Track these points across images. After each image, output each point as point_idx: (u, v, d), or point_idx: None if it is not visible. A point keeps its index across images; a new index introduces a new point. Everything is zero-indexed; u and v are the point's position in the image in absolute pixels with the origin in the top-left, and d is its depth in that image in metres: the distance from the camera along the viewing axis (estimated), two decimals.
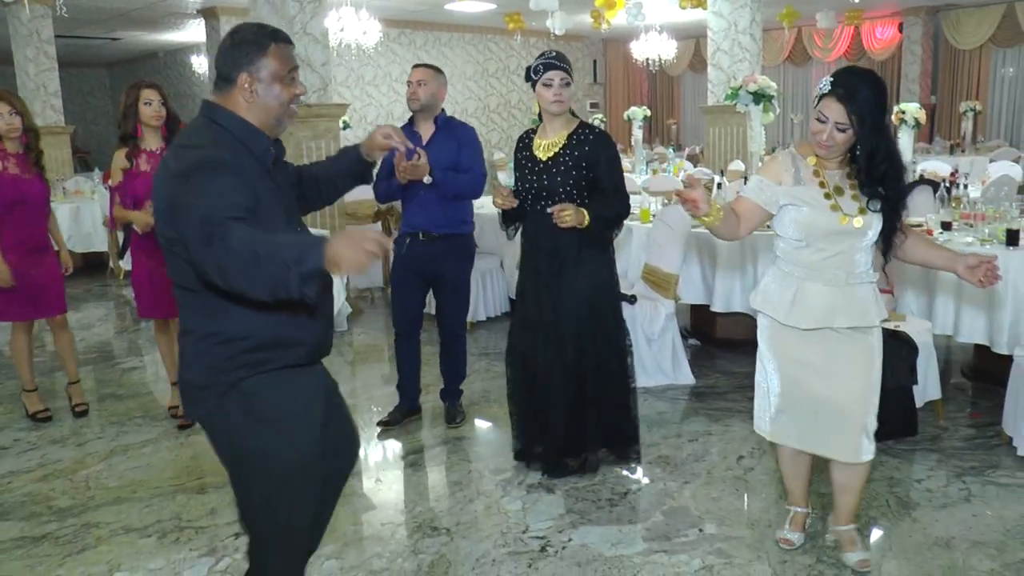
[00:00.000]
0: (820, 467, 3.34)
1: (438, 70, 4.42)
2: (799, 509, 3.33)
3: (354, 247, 1.83)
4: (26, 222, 4.56)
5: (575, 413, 3.82)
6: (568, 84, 3.64)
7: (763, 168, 3.09)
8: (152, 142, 4.47)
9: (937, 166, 9.03)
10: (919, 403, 4.36)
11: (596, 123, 15.24)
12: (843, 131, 2.76)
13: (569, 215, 3.51)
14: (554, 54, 3.71)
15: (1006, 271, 4.43)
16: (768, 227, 3.07)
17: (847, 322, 2.91)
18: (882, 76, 14.84)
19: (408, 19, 15.24)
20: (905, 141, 9.14)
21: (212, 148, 2.07)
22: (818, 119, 2.81)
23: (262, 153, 2.21)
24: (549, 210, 3.58)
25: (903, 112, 8.94)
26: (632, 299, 5.04)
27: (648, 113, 11.90)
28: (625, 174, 9.90)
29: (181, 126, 4.64)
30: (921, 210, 6.14)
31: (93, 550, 3.39)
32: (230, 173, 2.03)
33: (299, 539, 2.38)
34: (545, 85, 3.63)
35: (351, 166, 2.64)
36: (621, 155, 13.60)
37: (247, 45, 2.18)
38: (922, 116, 9.00)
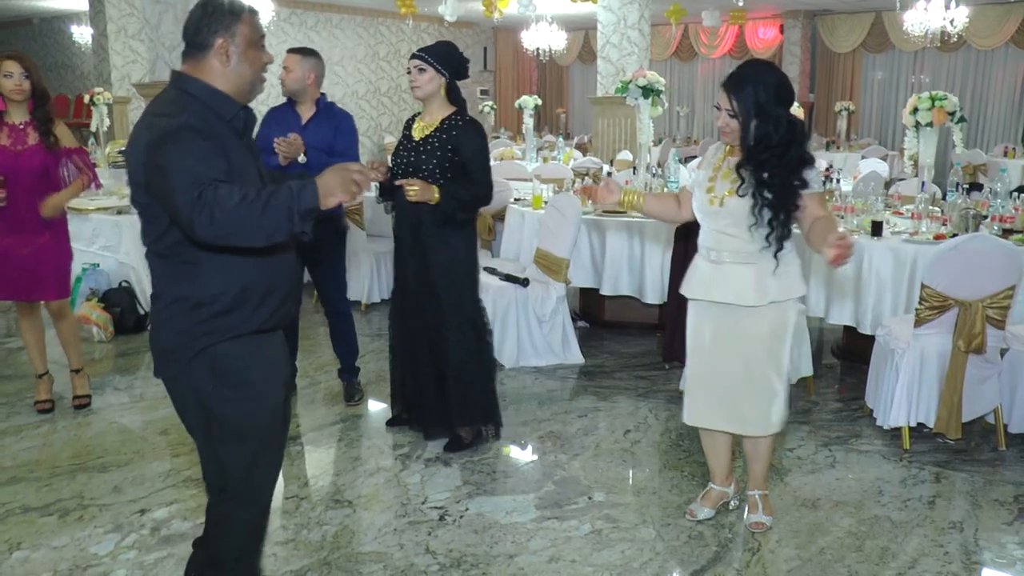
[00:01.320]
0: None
1: (308, 54, 4.47)
2: (715, 486, 3.52)
3: (343, 177, 2.05)
4: None
5: (438, 385, 4.07)
6: (423, 71, 3.86)
7: (700, 160, 3.41)
8: (16, 116, 4.28)
9: None
10: (793, 380, 4.68)
11: (486, 110, 15.41)
12: (733, 117, 2.98)
13: (415, 190, 3.71)
14: (430, 45, 3.95)
15: (870, 259, 4.82)
16: None
17: (720, 298, 3.13)
18: None
19: None
20: None
21: (182, 115, 2.16)
22: (715, 107, 3.08)
23: (232, 118, 2.30)
24: (397, 183, 3.79)
25: None
26: (525, 282, 5.24)
27: (539, 102, 12.15)
28: (517, 162, 10.10)
29: (52, 101, 4.47)
30: None
31: None
32: (203, 139, 2.13)
33: (264, 495, 2.51)
34: (408, 72, 3.94)
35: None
36: (511, 143, 13.68)
37: (222, 13, 2.28)
38: (800, 114, 9.49)
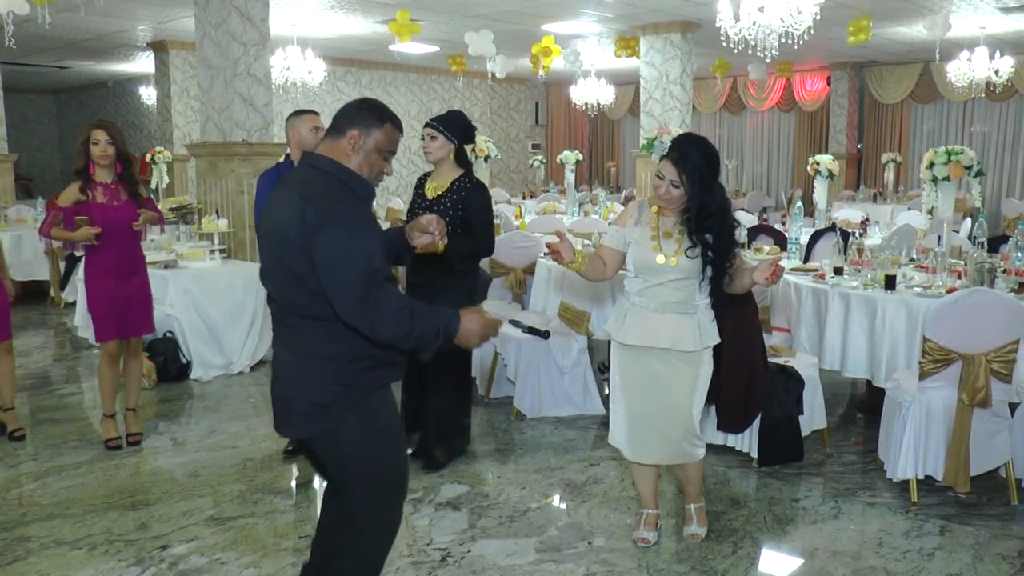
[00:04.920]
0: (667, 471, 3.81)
1: None
2: (649, 511, 3.81)
3: (482, 329, 2.50)
4: None
5: (431, 410, 4.61)
6: (435, 138, 4.30)
7: (617, 217, 3.70)
8: (105, 176, 4.80)
9: (850, 214, 9.61)
10: (806, 432, 4.75)
11: (535, 164, 15.70)
12: (677, 188, 3.32)
13: (422, 243, 4.07)
14: (442, 115, 4.40)
15: (883, 312, 4.88)
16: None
17: (662, 343, 3.41)
18: (812, 126, 15.53)
19: (353, 58, 15.59)
20: (820, 190, 9.69)
21: (346, 202, 2.42)
22: (658, 176, 3.37)
23: (366, 198, 2.57)
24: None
25: (817, 163, 9.47)
26: (546, 334, 5.40)
27: (580, 157, 12.35)
28: (556, 216, 10.28)
29: (139, 162, 4.94)
30: (820, 256, 6.63)
31: (23, 562, 3.60)
32: (369, 229, 2.41)
33: (392, 532, 2.72)
34: (421, 139, 4.39)
35: (395, 245, 3.00)
36: (560, 197, 13.82)
37: (368, 113, 2.56)
38: (835, 167, 9.54)
